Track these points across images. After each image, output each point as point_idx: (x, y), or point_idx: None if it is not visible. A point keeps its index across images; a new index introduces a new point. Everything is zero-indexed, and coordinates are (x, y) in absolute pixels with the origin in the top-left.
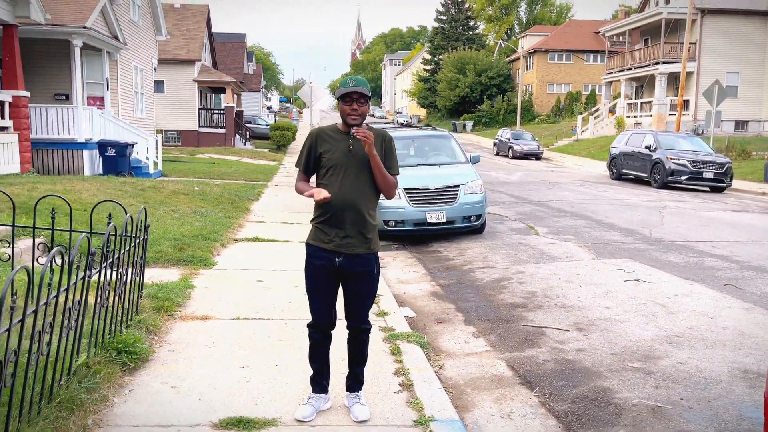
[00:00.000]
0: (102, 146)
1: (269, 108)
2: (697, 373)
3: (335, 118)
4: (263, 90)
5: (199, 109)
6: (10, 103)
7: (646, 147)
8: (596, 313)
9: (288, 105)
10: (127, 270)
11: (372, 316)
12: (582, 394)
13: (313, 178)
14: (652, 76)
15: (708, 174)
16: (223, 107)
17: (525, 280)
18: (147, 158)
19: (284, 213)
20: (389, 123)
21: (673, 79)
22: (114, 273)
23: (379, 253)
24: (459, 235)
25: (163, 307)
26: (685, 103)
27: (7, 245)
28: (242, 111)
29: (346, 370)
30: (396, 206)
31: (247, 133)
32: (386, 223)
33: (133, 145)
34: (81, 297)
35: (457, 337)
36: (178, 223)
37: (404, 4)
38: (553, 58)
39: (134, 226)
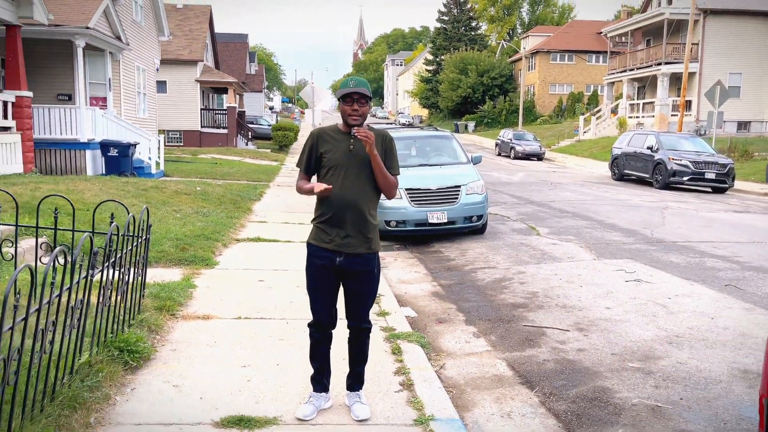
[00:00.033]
0: (104, 146)
1: (271, 108)
2: (697, 373)
3: (337, 119)
4: (265, 90)
5: (201, 109)
6: (13, 103)
7: (648, 147)
8: (597, 314)
9: (290, 105)
10: (129, 269)
11: (373, 316)
12: (582, 394)
13: (314, 178)
14: (655, 77)
15: (710, 175)
16: (225, 107)
17: (526, 281)
18: (149, 158)
19: (286, 213)
20: (391, 123)
21: (675, 80)
22: (116, 272)
23: (381, 253)
24: (460, 235)
25: (165, 306)
26: (688, 104)
27: (10, 245)
28: (244, 111)
29: (347, 370)
30: (397, 206)
31: (249, 133)
32: (388, 223)
33: (135, 145)
34: (83, 296)
35: (457, 337)
36: (180, 223)
37: (406, 5)
38: (555, 58)
39: (136, 225)
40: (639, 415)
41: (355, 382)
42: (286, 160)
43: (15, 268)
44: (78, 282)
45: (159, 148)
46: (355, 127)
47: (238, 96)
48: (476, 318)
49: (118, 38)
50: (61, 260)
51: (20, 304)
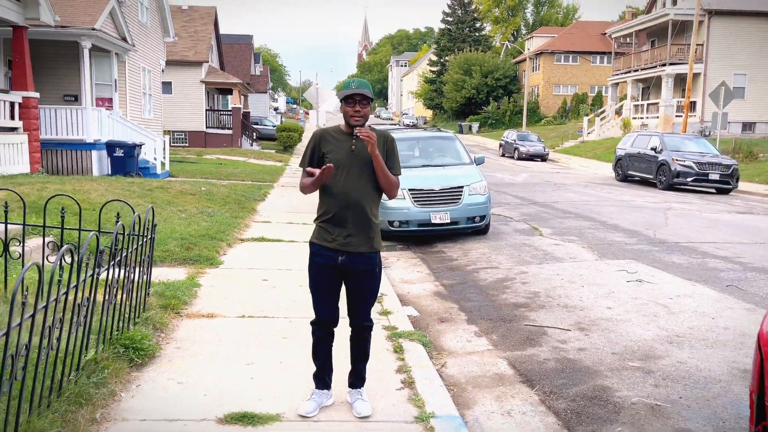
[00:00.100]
0: (110, 147)
1: (276, 109)
2: (697, 372)
3: (341, 120)
4: (270, 91)
5: (206, 110)
6: (20, 104)
7: (652, 148)
8: (598, 313)
9: (295, 106)
10: (134, 268)
11: (375, 315)
12: (582, 393)
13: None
14: (659, 78)
15: (714, 176)
16: (230, 108)
17: (528, 281)
18: (155, 159)
19: (290, 213)
20: (395, 124)
21: (679, 81)
22: (122, 271)
23: (384, 253)
24: (463, 235)
25: (170, 305)
26: (692, 105)
27: (18, 244)
28: (249, 112)
29: (349, 367)
30: (400, 207)
31: (254, 134)
32: (391, 223)
33: (140, 145)
34: (90, 294)
35: (459, 336)
36: (185, 223)
37: (411, 6)
38: (559, 59)
39: (142, 225)
40: (638, 413)
41: (356, 379)
42: (291, 161)
43: (23, 267)
44: (84, 280)
45: (164, 149)
46: (357, 128)
47: (242, 97)
48: (478, 317)
49: (124, 39)
50: (68, 259)
51: (28, 302)
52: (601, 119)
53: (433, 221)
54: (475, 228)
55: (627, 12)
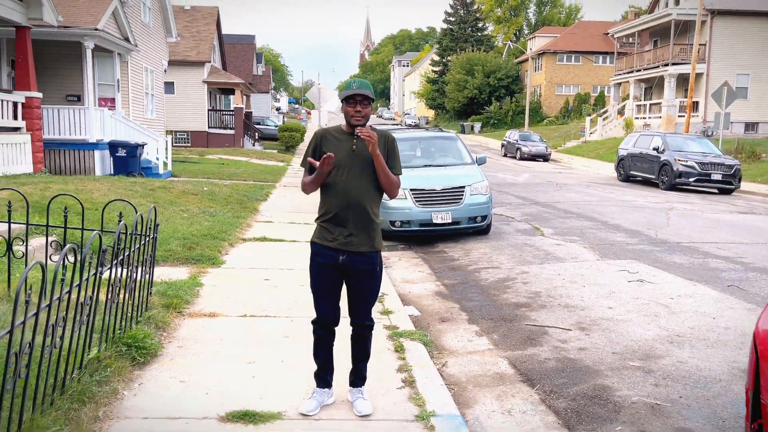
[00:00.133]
0: (113, 147)
1: (278, 109)
2: (697, 372)
3: (343, 120)
4: (272, 91)
5: (208, 110)
6: (23, 104)
7: (654, 149)
8: (599, 313)
9: (297, 106)
10: (137, 267)
11: (376, 315)
12: (582, 392)
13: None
14: (662, 78)
15: (716, 176)
16: (232, 108)
17: (529, 281)
18: (157, 159)
19: (292, 213)
20: (397, 124)
21: (682, 81)
22: (124, 270)
23: (385, 253)
24: (465, 235)
25: (172, 304)
26: (695, 105)
27: (21, 243)
28: (251, 112)
29: (350, 366)
30: (402, 207)
31: (256, 134)
32: (392, 223)
33: (143, 145)
34: (93, 293)
35: (460, 336)
36: (187, 223)
37: (413, 6)
38: (561, 59)
39: (144, 224)
40: (638, 412)
41: (357, 378)
42: (293, 161)
43: (26, 266)
44: (87, 279)
45: (166, 149)
46: (358, 128)
47: (245, 97)
48: (479, 317)
49: (127, 39)
50: (71, 258)
51: (31, 300)
52: (604, 119)
53: (434, 221)
54: (477, 228)
55: (629, 12)
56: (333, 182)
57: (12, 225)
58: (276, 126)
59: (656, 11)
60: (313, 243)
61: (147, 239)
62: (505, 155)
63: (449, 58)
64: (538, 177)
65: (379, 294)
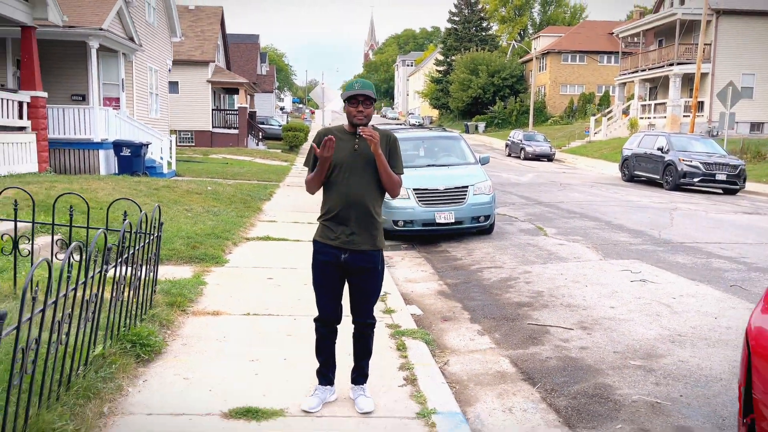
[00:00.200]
0: (117, 146)
1: (282, 109)
2: (698, 371)
3: (346, 119)
4: (276, 91)
5: (212, 109)
6: (28, 103)
7: (659, 149)
8: (601, 313)
9: (301, 106)
10: (141, 266)
11: (379, 313)
12: (583, 390)
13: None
14: (667, 78)
15: (721, 176)
16: (236, 108)
17: (531, 280)
18: (161, 158)
19: (295, 213)
20: (401, 124)
21: (687, 81)
22: (129, 269)
23: (388, 253)
24: (467, 235)
25: (176, 302)
26: (700, 105)
27: (27, 241)
28: (255, 112)
29: (352, 364)
30: (405, 206)
31: (260, 133)
32: (395, 223)
33: (147, 145)
34: (98, 291)
35: (462, 335)
36: (191, 222)
37: (417, 5)
38: (566, 59)
39: (149, 223)
40: (638, 411)
41: (359, 376)
42: (296, 161)
43: (32, 264)
44: (93, 277)
45: (171, 148)
46: (361, 127)
47: (249, 96)
48: (481, 316)
49: (131, 39)
50: (76, 256)
51: (38, 298)
52: (608, 119)
53: (437, 221)
54: (480, 228)
55: (634, 11)
56: (335, 181)
57: (18, 223)
58: (280, 125)
59: (661, 11)
60: (315, 241)
61: (151, 238)
62: (509, 155)
63: (453, 57)
64: (542, 177)
65: (382, 293)
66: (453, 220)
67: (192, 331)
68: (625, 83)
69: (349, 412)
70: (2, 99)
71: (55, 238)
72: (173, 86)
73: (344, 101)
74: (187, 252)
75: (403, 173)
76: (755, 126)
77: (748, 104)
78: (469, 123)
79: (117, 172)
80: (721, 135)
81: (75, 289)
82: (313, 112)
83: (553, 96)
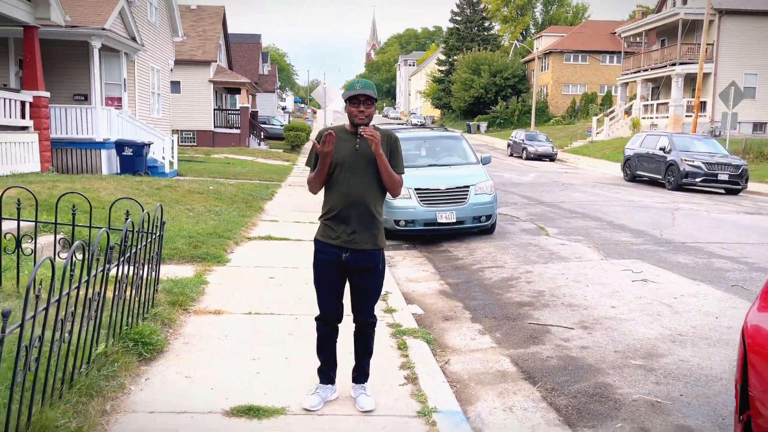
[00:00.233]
0: (119, 146)
1: (284, 108)
2: (698, 370)
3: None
4: (278, 91)
5: (214, 109)
6: (30, 103)
7: (661, 149)
8: (602, 312)
9: (303, 106)
10: (143, 265)
11: (380, 313)
12: (583, 390)
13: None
14: (669, 77)
15: (723, 176)
16: (238, 108)
17: (533, 280)
18: (163, 158)
19: (297, 212)
20: (402, 124)
21: (690, 81)
22: (131, 268)
23: (390, 252)
24: (469, 235)
25: (178, 301)
26: (702, 105)
27: (30, 240)
28: (257, 111)
29: (353, 363)
30: (406, 206)
31: (262, 133)
32: (397, 222)
33: (149, 144)
34: (100, 289)
35: (463, 334)
36: (192, 222)
37: (419, 5)
38: (568, 58)
39: (151, 223)
40: (639, 410)
41: (360, 374)
42: (298, 160)
43: (34, 263)
44: (95, 275)
45: (172, 148)
46: (362, 127)
47: (250, 96)
48: (482, 316)
49: (133, 39)
50: (79, 255)
51: (41, 296)
52: (611, 119)
53: (439, 220)
54: (481, 227)
55: (637, 11)
56: (336, 180)
57: (21, 223)
58: (282, 125)
59: (664, 10)
60: (316, 240)
61: (153, 237)
62: (511, 155)
63: (455, 57)
64: (543, 177)
65: (383, 292)
66: (454, 220)
67: (194, 329)
68: (627, 83)
69: (350, 411)
70: (5, 99)
71: (58, 237)
72: (175, 86)
73: (345, 101)
74: (188, 251)
75: (404, 173)
76: (758, 126)
77: (750, 104)
78: (471, 123)
79: (119, 171)
80: (724, 135)
81: (78, 288)
82: (314, 112)
83: (556, 96)
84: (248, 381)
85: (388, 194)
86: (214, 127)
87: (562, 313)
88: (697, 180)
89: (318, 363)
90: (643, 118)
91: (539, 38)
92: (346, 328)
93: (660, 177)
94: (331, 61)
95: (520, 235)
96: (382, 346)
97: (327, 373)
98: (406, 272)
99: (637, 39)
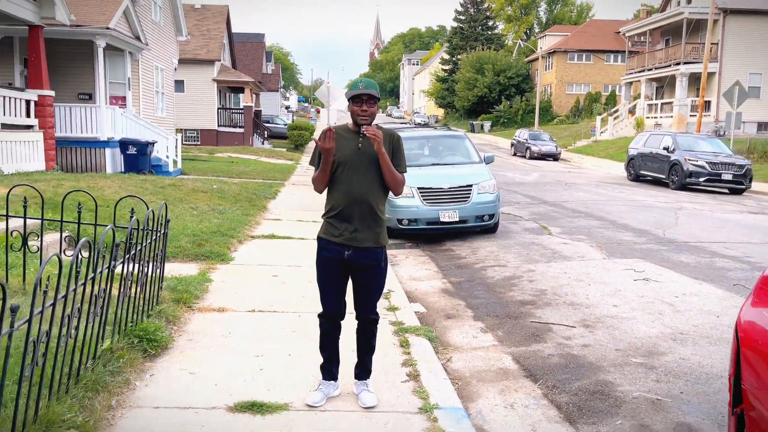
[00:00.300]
0: (123, 145)
1: (287, 108)
2: (699, 368)
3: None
4: (281, 90)
5: (218, 108)
6: (35, 102)
7: (665, 148)
8: (603, 311)
9: (306, 105)
10: (148, 262)
11: (383, 311)
12: (584, 387)
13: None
14: (673, 77)
15: (727, 176)
16: (241, 107)
17: (535, 279)
18: (167, 157)
19: (300, 211)
20: (406, 123)
21: (694, 80)
22: (136, 265)
23: (393, 251)
24: (472, 234)
25: (182, 299)
26: (707, 104)
27: (36, 238)
28: (261, 110)
29: (356, 360)
30: (409, 205)
31: (266, 132)
32: (400, 221)
33: (153, 143)
34: (106, 286)
35: (465, 332)
36: (196, 220)
37: (423, 4)
38: (572, 58)
39: (155, 221)
40: (639, 407)
41: (362, 371)
42: (302, 159)
43: (40, 260)
44: (101, 272)
45: (176, 147)
46: (364, 126)
47: (254, 95)
48: (484, 314)
49: (138, 38)
50: (85, 253)
51: (48, 293)
52: (615, 118)
53: (442, 219)
54: (484, 226)
55: (641, 10)
56: (339, 179)
57: (27, 220)
58: (285, 124)
59: (668, 10)
60: (319, 238)
61: (158, 235)
62: (514, 154)
63: (459, 56)
64: (547, 176)
65: (386, 291)
66: (457, 219)
67: (198, 327)
68: (631, 82)
69: (353, 407)
70: (10, 98)
71: (64, 235)
72: (179, 85)
73: (348, 100)
74: (192, 249)
75: (406, 172)
76: (762, 126)
77: (755, 104)
78: (474, 122)
79: (123, 170)
80: (728, 135)
81: (84, 285)
82: (318, 111)
83: (559, 95)
84: (252, 377)
85: (390, 193)
86: (218, 126)
87: (564, 312)
88: (701, 180)
89: (321, 360)
90: (647, 117)
91: (543, 37)
92: (349, 325)
93: (663, 176)
94: (334, 61)
95: (523, 234)
96: (385, 344)
97: (330, 370)
98: (409, 271)
99: (642, 38)
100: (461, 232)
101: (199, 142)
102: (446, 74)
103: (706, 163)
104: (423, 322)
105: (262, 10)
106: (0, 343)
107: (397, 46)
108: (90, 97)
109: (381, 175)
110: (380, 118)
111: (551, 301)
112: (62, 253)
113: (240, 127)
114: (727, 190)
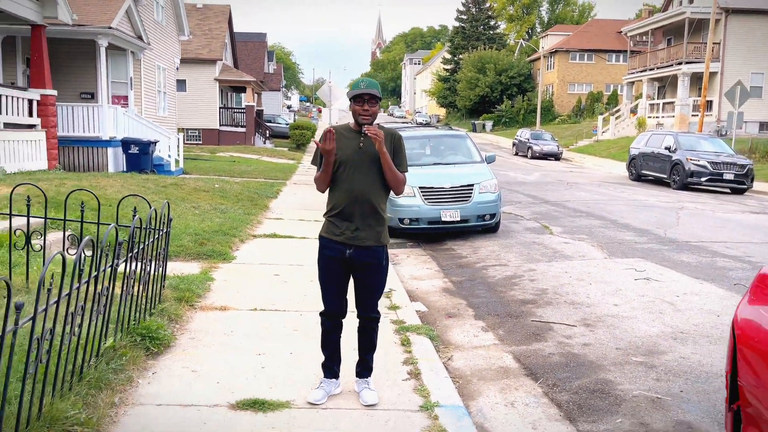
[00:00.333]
0: (125, 144)
1: (289, 107)
2: (699, 367)
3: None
4: (283, 89)
5: (219, 108)
6: (38, 101)
7: (666, 148)
8: (604, 310)
9: (308, 104)
10: (150, 261)
11: (384, 310)
12: (584, 386)
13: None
14: (675, 77)
15: (728, 175)
16: (243, 106)
17: (536, 278)
18: (169, 156)
19: (302, 210)
20: (408, 122)
21: (696, 80)
22: (138, 264)
23: (394, 250)
24: (473, 233)
25: (184, 297)
26: (708, 104)
27: (39, 237)
28: (262, 110)
29: (357, 358)
30: (411, 204)
31: (267, 131)
32: (401, 221)
33: (155, 143)
34: (109, 284)
35: (466, 331)
36: (198, 219)
37: (425, 3)
38: (574, 57)
39: (158, 219)
40: (639, 405)
41: (364, 369)
42: (303, 159)
43: (44, 259)
44: (104, 270)
45: (178, 146)
46: (366, 126)
47: (256, 95)
48: (485, 313)
49: (140, 38)
50: (88, 252)
51: (51, 291)
52: (616, 118)
53: (443, 219)
54: (485, 226)
55: (643, 10)
56: (341, 178)
57: (30, 219)
58: (287, 124)
59: (670, 9)
60: (321, 237)
61: (160, 234)
62: (516, 154)
63: (461, 56)
64: (548, 176)
65: (387, 289)
66: (458, 219)
67: (200, 325)
68: (633, 82)
69: (354, 405)
70: (12, 97)
71: (67, 233)
72: (181, 84)
73: (350, 100)
74: (194, 248)
75: (407, 171)
76: (764, 125)
77: (757, 103)
78: (476, 122)
79: (125, 169)
80: (730, 134)
81: (87, 283)
82: (320, 111)
83: (561, 95)
84: (253, 375)
85: (392, 192)
86: (220, 125)
87: (565, 311)
88: (703, 179)
89: (322, 358)
90: (649, 117)
91: (545, 37)
92: (351, 323)
93: (665, 176)
94: (336, 60)
95: (524, 234)
96: (386, 342)
97: (331, 368)
98: (410, 270)
99: (644, 38)
100: (462, 231)
101: (200, 142)
102: (448, 74)
103: (708, 162)
104: (424, 321)
105: (264, 9)
106: (5, 341)
107: (399, 45)
108: (92, 97)
109: (382, 174)
110: (382, 118)
111: (552, 301)
112: (65, 252)
113: (242, 126)
114: (728, 190)
